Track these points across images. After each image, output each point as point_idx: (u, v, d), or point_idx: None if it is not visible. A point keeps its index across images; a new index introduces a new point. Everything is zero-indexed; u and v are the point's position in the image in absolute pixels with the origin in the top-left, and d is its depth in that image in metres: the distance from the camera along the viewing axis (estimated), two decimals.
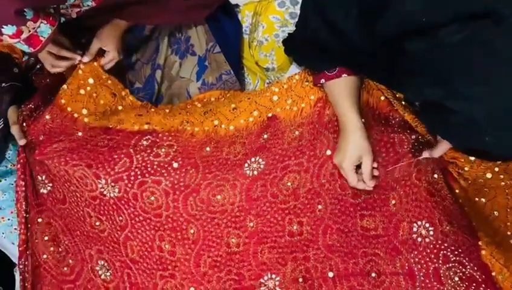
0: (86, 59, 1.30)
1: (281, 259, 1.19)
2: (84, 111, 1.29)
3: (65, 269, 1.31)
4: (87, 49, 1.31)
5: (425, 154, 1.11)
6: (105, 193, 1.21)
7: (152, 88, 1.43)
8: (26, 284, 1.32)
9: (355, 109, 1.08)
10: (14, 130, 1.28)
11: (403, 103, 1.19)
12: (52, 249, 1.32)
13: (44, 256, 1.32)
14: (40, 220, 1.31)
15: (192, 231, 1.21)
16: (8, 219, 1.51)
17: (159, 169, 1.20)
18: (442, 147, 1.09)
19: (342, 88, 1.09)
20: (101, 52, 1.32)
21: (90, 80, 1.31)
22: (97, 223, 1.24)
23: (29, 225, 1.31)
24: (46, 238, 1.31)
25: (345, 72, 1.09)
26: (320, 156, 1.15)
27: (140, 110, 1.30)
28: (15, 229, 1.52)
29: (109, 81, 1.33)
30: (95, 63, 1.32)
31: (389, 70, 1.01)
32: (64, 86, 1.31)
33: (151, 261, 1.24)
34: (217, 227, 1.21)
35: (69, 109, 1.29)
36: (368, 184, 1.10)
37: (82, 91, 1.31)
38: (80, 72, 1.31)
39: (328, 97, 1.14)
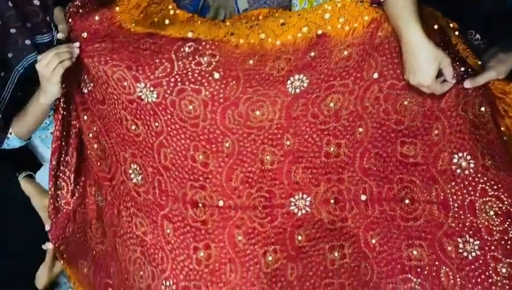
0: None
1: (314, 180, 1.19)
2: (133, 24, 1.26)
3: (105, 167, 1.32)
4: None
5: (467, 83, 1.08)
6: (143, 97, 1.19)
7: None
8: (63, 177, 1.32)
9: (419, 24, 1.05)
10: (61, 29, 1.26)
11: (456, 33, 1.15)
12: (95, 146, 1.32)
13: (89, 151, 1.32)
14: (85, 117, 1.30)
15: (227, 145, 1.20)
16: (45, 123, 1.50)
17: (199, 78, 1.18)
18: (488, 75, 1.07)
19: (406, 2, 1.05)
20: None
21: None
22: (133, 127, 1.23)
23: (74, 121, 1.30)
24: (90, 135, 1.32)
25: None
26: (366, 79, 1.13)
27: (186, 22, 1.27)
28: (51, 133, 1.52)
29: None
30: None
31: None
32: None
33: (183, 170, 1.23)
34: (252, 143, 1.20)
35: (119, 17, 1.26)
36: (452, 81, 1.07)
37: (136, 4, 1.27)
38: None
39: (389, 14, 1.10)
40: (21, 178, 1.52)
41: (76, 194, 1.37)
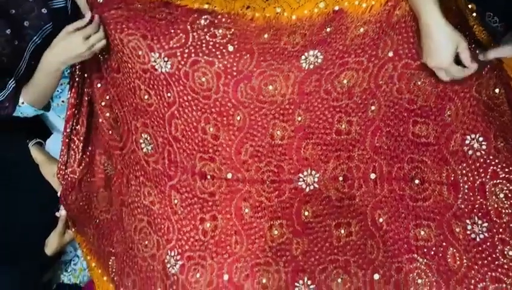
0: None
1: (324, 156, 1.19)
2: None
3: (116, 136, 1.33)
4: None
5: (480, 56, 1.07)
6: (156, 67, 1.19)
7: None
8: (72, 146, 1.33)
9: (437, 5, 1.04)
10: None
11: (474, 15, 1.14)
12: (107, 114, 1.33)
13: (100, 120, 1.33)
14: (99, 85, 1.31)
15: (238, 118, 1.20)
16: (57, 91, 1.51)
17: (213, 50, 1.18)
18: (500, 51, 1.05)
19: None
20: None
21: None
22: (145, 97, 1.23)
23: (87, 89, 1.31)
24: (103, 103, 1.32)
25: None
26: (381, 57, 1.12)
27: None
28: (62, 101, 1.53)
29: None
30: None
31: None
32: None
33: (193, 142, 1.24)
34: (264, 117, 1.20)
35: None
36: (473, 67, 1.05)
37: None
38: None
39: None
40: (31, 145, 1.53)
41: (83, 164, 1.38)
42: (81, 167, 1.38)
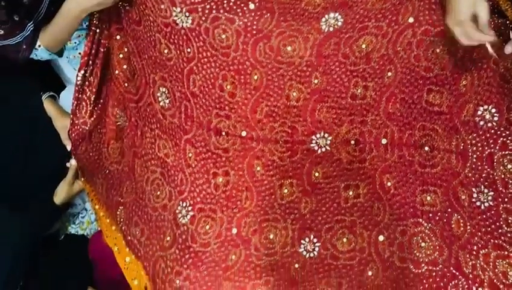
0: None
1: (338, 120, 1.21)
2: None
3: (132, 88, 1.35)
4: None
5: (508, 49, 1.06)
6: (178, 21, 1.20)
7: None
8: (83, 97, 1.35)
9: None
10: None
11: None
12: (125, 67, 1.34)
13: (117, 72, 1.35)
14: (118, 37, 1.32)
15: (255, 77, 1.22)
16: (75, 42, 1.52)
17: (234, 7, 1.19)
18: None
19: None
20: None
21: None
22: (165, 51, 1.25)
23: (104, 40, 1.32)
24: (121, 56, 1.34)
25: None
26: (401, 23, 1.13)
27: None
28: (79, 53, 1.54)
29: None
30: None
31: None
32: None
33: (210, 98, 1.26)
34: (281, 78, 1.22)
35: None
36: (489, 33, 1.03)
37: None
38: None
39: None
40: (44, 98, 1.54)
41: (95, 115, 1.40)
42: (92, 119, 1.40)
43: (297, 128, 1.23)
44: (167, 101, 1.29)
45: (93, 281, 1.50)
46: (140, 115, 1.36)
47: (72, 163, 1.49)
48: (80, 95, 1.38)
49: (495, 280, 1.11)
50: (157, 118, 1.32)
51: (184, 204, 1.28)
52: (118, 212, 1.44)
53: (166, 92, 1.29)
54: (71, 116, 1.41)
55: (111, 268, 1.44)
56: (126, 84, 1.36)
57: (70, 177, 1.51)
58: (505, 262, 1.11)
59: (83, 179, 1.51)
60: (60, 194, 1.54)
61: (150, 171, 1.34)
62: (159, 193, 1.32)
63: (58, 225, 1.69)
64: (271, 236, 1.24)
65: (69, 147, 1.45)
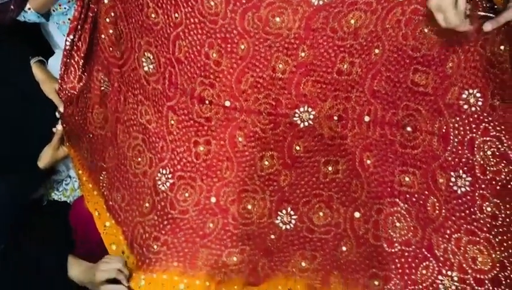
0: None
1: (322, 95, 1.20)
2: None
3: (117, 53, 1.33)
4: None
5: (487, 26, 1.04)
6: None
7: None
8: (72, 62, 1.35)
9: None
10: None
11: None
12: (111, 31, 1.32)
13: (103, 36, 1.33)
14: (106, 1, 1.30)
15: (242, 47, 1.21)
16: (65, 8, 1.50)
17: None
18: (508, 15, 1.04)
19: None
20: None
21: None
22: (153, 15, 1.23)
23: (93, 5, 1.30)
24: (107, 20, 1.31)
25: None
26: (391, 0, 1.11)
27: None
28: (68, 19, 1.52)
29: None
30: None
31: None
32: None
33: (195, 65, 1.24)
34: (268, 49, 1.20)
35: None
36: (464, 22, 1.02)
37: None
38: None
39: None
40: (33, 63, 1.53)
41: (83, 80, 1.39)
42: (80, 84, 1.39)
43: (282, 101, 1.23)
44: (151, 66, 1.28)
45: (74, 246, 1.50)
46: (124, 80, 1.35)
47: (58, 128, 1.49)
48: (68, 60, 1.37)
49: (464, 265, 1.13)
50: (140, 84, 1.31)
51: (164, 171, 1.29)
52: (100, 177, 1.44)
53: (151, 58, 1.27)
54: (59, 80, 1.40)
55: (90, 233, 1.45)
56: (111, 49, 1.35)
57: (56, 142, 1.50)
58: (475, 248, 1.12)
59: (68, 144, 1.51)
60: (44, 159, 1.53)
61: (132, 137, 1.33)
62: (139, 159, 1.32)
63: (41, 190, 1.69)
64: (249, 206, 1.25)
65: (61, 108, 1.44)
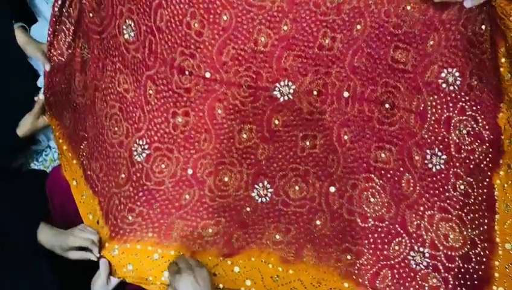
0: None
1: (303, 69, 1.20)
2: None
3: (97, 19, 1.31)
4: None
5: (467, 2, 1.06)
6: None
7: None
8: (63, 28, 1.33)
9: None
10: None
11: None
12: None
13: (83, 1, 1.30)
14: None
15: (225, 18, 1.19)
16: None
17: None
18: None
19: None
20: None
21: None
22: None
23: None
24: None
25: None
26: None
27: None
28: None
29: None
30: None
31: None
32: None
33: (176, 35, 1.23)
34: (250, 21, 1.19)
35: None
36: None
37: None
38: None
39: None
40: (16, 27, 1.50)
41: (72, 48, 1.37)
42: (69, 51, 1.37)
43: (262, 74, 1.22)
44: (132, 34, 1.26)
45: (49, 215, 1.49)
46: (103, 47, 1.32)
47: (40, 97, 1.47)
48: (58, 26, 1.34)
49: (436, 241, 1.14)
50: (120, 51, 1.28)
51: (140, 142, 1.28)
52: (81, 147, 1.42)
53: (132, 25, 1.25)
54: (48, 47, 1.38)
55: (66, 202, 1.44)
56: (91, 15, 1.32)
57: (37, 110, 1.48)
58: (447, 225, 1.14)
59: (49, 113, 1.48)
60: (24, 127, 1.51)
61: (109, 106, 1.32)
62: (116, 128, 1.31)
63: (21, 160, 1.68)
64: (226, 179, 1.25)
65: (47, 67, 1.41)
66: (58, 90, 1.43)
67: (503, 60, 1.11)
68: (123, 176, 1.30)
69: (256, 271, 1.22)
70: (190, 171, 1.26)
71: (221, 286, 1.23)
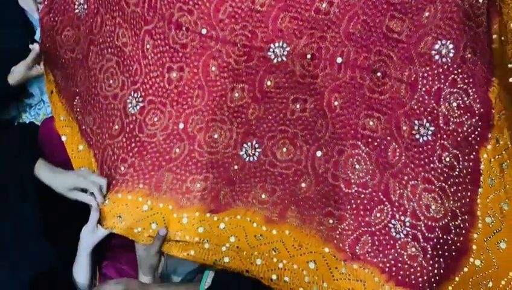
0: None
1: (298, 32, 1.20)
2: None
3: None
4: None
5: None
6: None
7: None
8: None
9: None
10: None
11: None
12: None
13: None
14: None
15: None
16: None
17: None
18: None
19: None
20: None
21: None
22: None
23: None
24: None
25: None
26: None
27: None
28: None
29: None
30: None
31: None
32: None
33: None
34: None
35: None
36: None
37: None
38: None
39: None
40: None
41: None
42: None
43: (258, 34, 1.22)
44: None
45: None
46: (103, 2, 1.33)
47: (35, 47, 1.47)
48: None
49: (417, 211, 1.16)
50: (120, 6, 1.30)
51: (135, 94, 1.30)
52: (74, 103, 1.45)
53: None
54: None
55: (57, 152, 1.46)
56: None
57: (30, 60, 1.49)
58: (430, 196, 1.15)
59: (45, 64, 1.50)
60: (16, 74, 1.52)
61: (106, 59, 1.33)
62: (111, 81, 1.33)
63: (13, 112, 1.69)
64: (215, 136, 1.27)
65: (36, 16, 1.42)
66: (49, 40, 1.46)
67: (494, 36, 1.10)
68: (116, 127, 1.33)
69: (240, 229, 1.25)
70: (181, 126, 1.28)
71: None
